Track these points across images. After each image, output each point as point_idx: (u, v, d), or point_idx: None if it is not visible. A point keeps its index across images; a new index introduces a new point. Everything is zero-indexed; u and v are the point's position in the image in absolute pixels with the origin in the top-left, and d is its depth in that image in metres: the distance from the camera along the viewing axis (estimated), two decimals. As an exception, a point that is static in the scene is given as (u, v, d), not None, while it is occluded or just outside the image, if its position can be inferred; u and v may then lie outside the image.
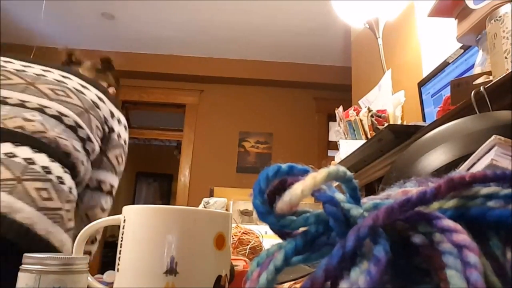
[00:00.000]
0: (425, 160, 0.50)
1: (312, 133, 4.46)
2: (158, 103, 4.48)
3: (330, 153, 4.38)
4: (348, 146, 1.64)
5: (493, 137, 0.32)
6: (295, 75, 4.40)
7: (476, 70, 1.00)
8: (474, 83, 0.88)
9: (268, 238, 1.51)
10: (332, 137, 4.33)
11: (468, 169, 0.34)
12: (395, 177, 0.52)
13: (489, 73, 0.87)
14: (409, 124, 1.10)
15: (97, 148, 0.96)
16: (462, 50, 1.32)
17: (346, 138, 1.87)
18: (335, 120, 2.16)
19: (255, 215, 1.88)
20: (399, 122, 1.78)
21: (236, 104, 4.32)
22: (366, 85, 2.43)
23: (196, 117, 4.33)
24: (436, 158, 0.49)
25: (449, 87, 0.97)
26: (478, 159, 0.33)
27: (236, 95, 4.34)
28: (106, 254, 4.83)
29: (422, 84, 1.65)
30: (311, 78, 4.39)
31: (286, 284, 0.73)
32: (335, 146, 2.06)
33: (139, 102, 4.45)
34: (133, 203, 5.45)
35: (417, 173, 0.49)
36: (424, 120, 1.58)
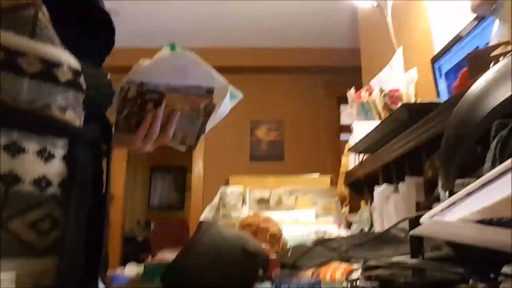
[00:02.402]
0: (492, 97, 0.47)
1: (323, 118, 4.41)
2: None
3: (343, 136, 4.34)
4: (362, 128, 1.62)
5: None
6: (303, 60, 4.34)
7: (493, 41, 0.97)
8: (491, 54, 0.86)
9: (285, 225, 1.51)
10: (344, 120, 4.28)
11: (491, 181, 0.33)
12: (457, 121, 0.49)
13: (507, 43, 0.84)
14: (425, 101, 1.08)
15: None
16: (476, 22, 1.28)
17: (359, 120, 1.84)
18: (346, 103, 2.14)
19: (271, 202, 1.88)
20: (412, 101, 1.75)
21: (245, 93, 4.27)
22: (377, 65, 2.39)
23: (206, 107, 4.32)
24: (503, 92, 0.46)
25: (464, 62, 0.95)
26: (504, 172, 0.32)
27: (245, 84, 4.27)
28: (125, 249, 4.89)
29: (435, 60, 1.61)
30: (320, 62, 4.33)
31: (310, 270, 0.73)
32: (347, 129, 2.04)
33: (148, 97, 4.43)
34: (149, 198, 5.44)
35: (485, 110, 0.45)
36: (438, 96, 1.55)
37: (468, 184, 0.43)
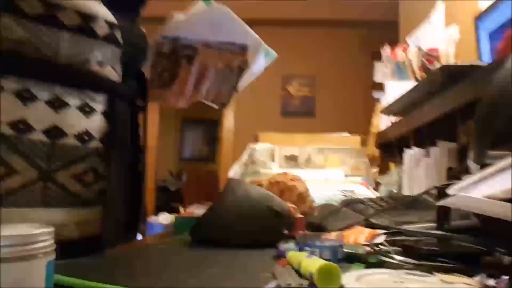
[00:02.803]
0: None
1: (356, 74, 4.30)
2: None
3: (375, 94, 4.24)
4: (395, 89, 1.57)
5: None
6: (338, 13, 4.19)
7: (544, 1, 0.90)
8: (541, 16, 0.80)
9: (313, 183, 1.52)
10: (378, 78, 4.16)
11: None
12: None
13: (560, 4, 0.78)
14: (464, 64, 1.03)
15: None
16: (528, -22, 1.19)
17: (392, 80, 1.79)
18: (380, 59, 2.07)
19: (300, 159, 1.89)
20: (452, 61, 1.67)
21: (278, 47, 4.16)
22: (415, 20, 2.28)
23: (238, 61, 4.27)
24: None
25: (510, 22, 0.89)
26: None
27: (278, 37, 4.18)
28: (159, 197, 5.08)
29: (478, 18, 1.52)
30: (355, 15, 4.17)
31: (335, 232, 0.74)
32: (379, 86, 1.99)
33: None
34: (180, 150, 5.54)
35: None
36: (480, 58, 1.48)
37: (501, 157, 0.42)
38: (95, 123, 0.66)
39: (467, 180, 0.42)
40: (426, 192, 0.76)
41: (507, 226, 0.47)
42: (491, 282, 0.43)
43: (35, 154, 0.59)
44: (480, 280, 0.43)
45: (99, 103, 0.67)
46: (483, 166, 0.46)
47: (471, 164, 0.47)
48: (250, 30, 0.87)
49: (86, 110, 0.65)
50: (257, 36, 0.91)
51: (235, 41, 0.89)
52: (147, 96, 0.79)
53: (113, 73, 0.69)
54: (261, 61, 0.95)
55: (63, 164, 0.62)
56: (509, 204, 0.34)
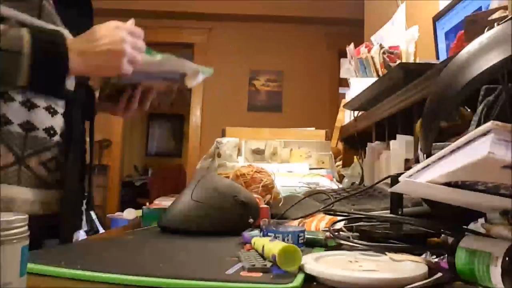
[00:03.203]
0: (477, 64, 0.47)
1: (323, 70, 4.39)
2: (165, 43, 4.36)
3: (341, 90, 4.33)
4: (359, 84, 1.63)
5: (489, 122, 0.32)
6: (305, 10, 4.25)
7: (493, 4, 0.97)
8: (489, 18, 0.86)
9: (279, 176, 1.55)
10: (343, 74, 4.26)
11: (459, 147, 0.35)
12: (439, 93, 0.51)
13: (505, 8, 0.84)
14: (421, 62, 1.09)
15: None
16: (480, -18, 1.27)
17: (357, 76, 1.85)
18: (347, 57, 2.13)
19: (266, 153, 1.93)
20: (411, 59, 1.75)
21: (246, 42, 4.24)
22: (379, 19, 2.36)
23: (205, 56, 4.27)
24: (488, 59, 0.46)
25: (463, 23, 0.95)
26: (470, 141, 0.34)
27: (246, 32, 4.24)
28: (125, 193, 5.02)
29: (437, 18, 1.60)
30: (322, 13, 4.24)
31: (297, 220, 0.78)
32: (346, 83, 2.05)
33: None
34: (147, 145, 5.47)
35: (469, 76, 0.46)
36: (437, 56, 1.55)
37: (443, 147, 0.47)
38: (58, 122, 0.82)
39: (414, 168, 0.46)
40: (381, 182, 0.81)
41: (451, 210, 0.52)
42: (434, 259, 0.47)
43: (12, 143, 0.75)
44: (425, 258, 0.48)
45: (60, 107, 0.83)
46: (428, 155, 0.50)
47: (420, 154, 0.51)
48: (189, 62, 0.95)
49: (51, 110, 0.81)
50: (195, 65, 0.97)
51: (176, 70, 0.96)
52: (94, 106, 0.95)
53: (71, 84, 0.84)
54: (199, 78, 1.02)
55: (34, 151, 0.78)
56: (444, 187, 0.38)
